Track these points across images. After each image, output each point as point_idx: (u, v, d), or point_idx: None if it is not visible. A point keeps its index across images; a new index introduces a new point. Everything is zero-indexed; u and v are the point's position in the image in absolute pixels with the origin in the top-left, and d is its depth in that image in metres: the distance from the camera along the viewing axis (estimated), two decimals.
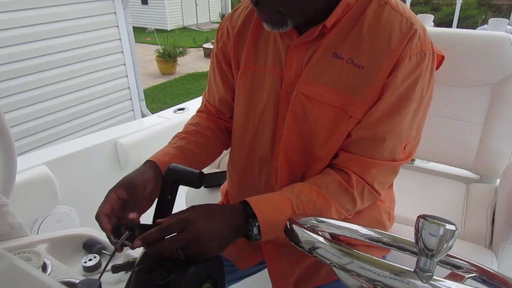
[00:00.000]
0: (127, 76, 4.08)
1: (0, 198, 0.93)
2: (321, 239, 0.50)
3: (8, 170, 0.98)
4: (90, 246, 0.96)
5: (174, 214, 0.66)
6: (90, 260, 0.90)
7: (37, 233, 1.42)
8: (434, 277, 0.42)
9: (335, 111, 0.74)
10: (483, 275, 0.54)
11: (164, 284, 0.58)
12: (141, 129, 1.76)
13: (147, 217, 0.73)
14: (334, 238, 0.51)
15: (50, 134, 3.51)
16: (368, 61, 0.71)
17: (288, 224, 0.56)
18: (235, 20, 0.86)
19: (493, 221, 1.22)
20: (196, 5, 15.38)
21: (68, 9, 3.45)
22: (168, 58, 8.64)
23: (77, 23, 3.53)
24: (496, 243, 1.14)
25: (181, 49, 8.77)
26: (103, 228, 0.67)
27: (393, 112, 0.72)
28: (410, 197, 1.36)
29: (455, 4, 8.06)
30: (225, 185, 1.05)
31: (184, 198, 1.46)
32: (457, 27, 7.74)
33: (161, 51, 8.60)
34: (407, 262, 0.46)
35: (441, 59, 0.76)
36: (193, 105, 2.04)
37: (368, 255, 0.46)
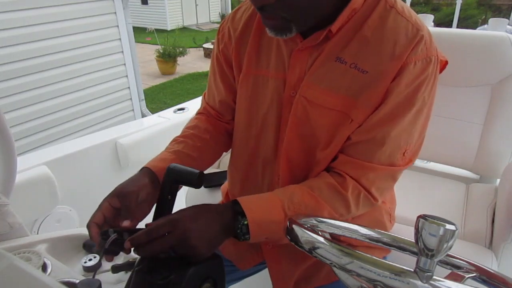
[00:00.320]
0: (127, 76, 4.08)
1: (0, 198, 0.93)
2: (321, 239, 0.50)
3: (8, 170, 0.98)
4: (90, 246, 0.96)
5: (164, 217, 0.66)
6: (90, 260, 0.90)
7: (37, 233, 1.42)
8: (434, 277, 0.42)
9: (337, 115, 0.73)
10: (483, 275, 0.54)
11: (164, 284, 0.58)
12: (141, 129, 1.76)
13: (147, 217, 0.73)
14: (335, 240, 0.51)
15: (50, 134, 3.51)
16: (372, 66, 0.70)
17: (288, 224, 0.56)
18: (237, 21, 0.85)
19: (493, 221, 1.22)
20: (196, 5, 15.38)
21: (68, 9, 3.44)
22: (168, 58, 8.64)
23: (77, 23, 3.53)
24: (496, 243, 1.14)
25: (181, 49, 8.77)
26: (91, 237, 0.67)
27: (394, 117, 0.71)
28: (410, 197, 1.36)
29: (455, 4, 8.05)
30: (225, 185, 1.05)
31: (184, 198, 1.46)
32: (457, 27, 7.74)
33: (161, 51, 8.60)
34: (407, 262, 0.46)
35: (444, 64, 0.75)
36: (193, 105, 2.05)
37: (368, 255, 0.46)
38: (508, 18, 8.04)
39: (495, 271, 0.54)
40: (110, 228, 0.66)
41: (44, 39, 3.31)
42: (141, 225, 0.71)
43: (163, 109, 2.12)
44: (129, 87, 4.13)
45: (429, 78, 0.71)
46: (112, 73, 3.94)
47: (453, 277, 0.54)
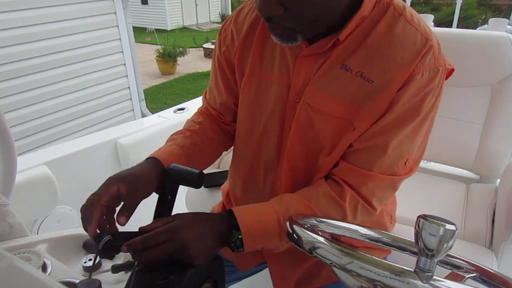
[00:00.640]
0: (127, 76, 4.08)
1: (0, 198, 0.93)
2: (321, 239, 0.50)
3: (8, 170, 0.97)
4: (90, 246, 0.96)
5: (159, 221, 0.65)
6: (90, 260, 0.90)
7: (37, 233, 1.42)
8: (434, 277, 0.42)
9: (341, 122, 0.73)
10: (483, 275, 0.54)
11: (164, 284, 0.58)
12: (141, 129, 1.76)
13: (147, 217, 0.73)
14: (335, 240, 0.51)
15: (50, 134, 3.51)
16: (378, 75, 0.69)
17: (288, 224, 0.56)
18: (240, 23, 0.83)
19: (493, 221, 1.22)
20: (196, 5, 15.38)
21: (68, 9, 3.44)
22: (168, 58, 8.64)
23: (77, 23, 3.53)
24: (496, 243, 1.14)
25: (181, 49, 8.77)
26: (90, 219, 0.62)
27: (397, 126, 0.70)
28: (410, 197, 1.36)
29: (455, 4, 8.05)
30: (225, 185, 1.05)
31: (184, 198, 1.46)
32: (457, 27, 7.74)
33: (161, 51, 8.60)
34: (407, 262, 0.46)
35: (450, 71, 0.74)
36: (193, 105, 2.04)
37: (368, 255, 0.46)
38: (508, 18, 8.05)
39: (495, 271, 0.54)
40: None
41: (44, 39, 3.31)
42: (143, 220, 0.70)
43: (163, 109, 2.12)
44: (129, 87, 4.13)
45: (435, 88, 0.70)
46: (112, 73, 3.94)
47: (453, 277, 0.54)
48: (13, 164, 0.98)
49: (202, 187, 1.13)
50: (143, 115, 4.26)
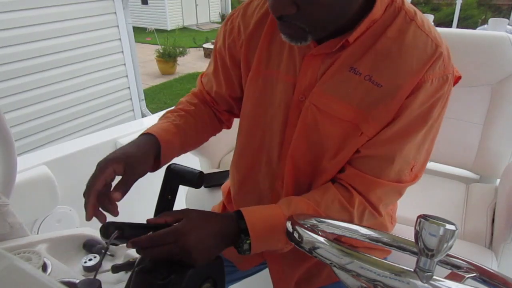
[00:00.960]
0: (127, 76, 4.08)
1: (0, 198, 0.93)
2: (321, 239, 0.50)
3: (8, 170, 0.98)
4: (90, 246, 0.96)
5: (168, 215, 0.65)
6: (90, 260, 0.90)
7: (37, 233, 1.42)
8: (434, 277, 0.42)
9: (348, 125, 0.72)
10: (483, 275, 0.54)
11: (164, 284, 0.58)
12: (141, 129, 1.73)
13: (147, 217, 0.73)
14: (335, 240, 0.51)
15: (50, 134, 3.52)
16: (387, 80, 0.68)
17: (288, 224, 0.56)
18: (248, 18, 0.82)
19: (493, 221, 1.22)
20: (196, 5, 15.38)
21: (68, 9, 3.45)
22: (168, 58, 8.64)
23: (77, 23, 3.53)
24: (496, 243, 1.14)
25: (181, 49, 8.78)
26: (87, 206, 0.64)
27: (406, 134, 0.70)
28: (410, 197, 1.35)
29: (455, 4, 8.06)
30: (226, 184, 1.05)
31: (184, 198, 1.46)
32: (457, 27, 7.74)
33: (161, 51, 8.61)
34: (407, 262, 0.46)
35: (457, 79, 0.74)
36: None
37: (368, 255, 0.46)
38: (508, 18, 8.05)
39: (495, 271, 0.54)
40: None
41: (44, 39, 3.32)
42: (143, 217, 0.70)
43: (163, 109, 2.11)
44: (129, 87, 4.14)
45: (444, 96, 0.70)
46: (112, 73, 3.94)
47: (453, 277, 0.54)
48: (13, 164, 0.98)
49: (202, 187, 1.13)
50: (143, 115, 4.26)
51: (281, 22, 0.67)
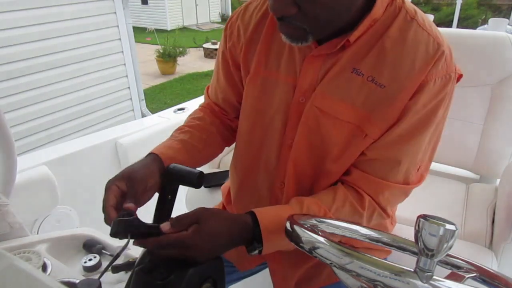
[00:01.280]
0: (127, 76, 4.08)
1: (0, 198, 0.93)
2: (321, 239, 0.50)
3: (8, 170, 0.98)
4: (90, 246, 0.96)
5: (180, 221, 0.62)
6: (90, 260, 0.90)
7: (37, 233, 1.42)
8: (434, 277, 0.42)
9: (351, 127, 0.72)
10: (483, 275, 0.54)
11: (164, 284, 0.58)
12: (141, 129, 1.76)
13: (147, 217, 0.73)
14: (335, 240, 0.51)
15: (50, 134, 3.51)
16: (390, 81, 0.68)
17: (288, 224, 0.56)
18: (248, 20, 0.82)
19: (493, 221, 1.22)
20: (196, 5, 15.38)
21: (68, 9, 3.44)
22: (168, 58, 8.64)
23: (77, 23, 3.53)
24: (496, 243, 1.14)
25: (181, 49, 8.77)
26: (109, 220, 0.62)
27: (412, 136, 0.70)
28: (410, 197, 1.36)
29: (455, 4, 8.06)
30: (226, 185, 1.05)
31: (184, 198, 1.46)
32: (457, 27, 7.74)
33: (161, 51, 8.60)
34: (407, 262, 0.46)
35: (458, 78, 0.73)
36: (193, 105, 2.04)
37: (368, 255, 0.46)
38: (508, 18, 8.05)
39: (495, 271, 0.54)
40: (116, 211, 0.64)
41: (44, 39, 3.31)
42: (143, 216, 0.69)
43: (163, 109, 2.12)
44: (129, 87, 4.14)
45: (448, 95, 0.70)
46: (112, 73, 3.94)
47: (453, 277, 0.54)
48: (13, 164, 0.98)
49: (202, 187, 1.13)
50: (143, 115, 4.26)
51: (282, 22, 0.66)
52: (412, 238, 0.44)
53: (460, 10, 8.07)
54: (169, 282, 0.58)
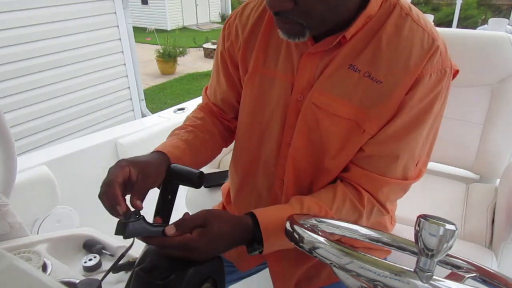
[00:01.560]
0: (127, 76, 4.07)
1: (0, 198, 0.93)
2: (321, 239, 0.50)
3: (8, 170, 0.98)
4: (90, 246, 0.96)
5: (186, 224, 0.62)
6: (90, 260, 0.90)
7: (37, 233, 1.42)
8: (434, 277, 0.42)
9: (348, 124, 0.72)
10: (483, 275, 0.54)
11: (164, 284, 0.58)
12: (141, 129, 1.76)
13: (147, 215, 0.73)
14: (335, 240, 0.51)
15: (50, 134, 3.51)
16: (386, 76, 0.69)
17: (288, 224, 0.56)
18: (245, 19, 0.82)
19: (493, 221, 1.22)
20: (196, 5, 15.38)
21: (68, 9, 3.44)
22: (168, 58, 8.64)
23: (77, 23, 3.53)
24: (496, 243, 1.14)
25: (181, 49, 8.77)
26: (116, 199, 0.60)
27: (409, 130, 0.70)
28: (410, 197, 1.35)
29: (455, 4, 8.06)
30: (226, 184, 1.05)
31: (184, 198, 1.46)
32: (457, 27, 7.74)
33: (161, 51, 8.60)
34: (407, 262, 0.46)
35: (455, 73, 0.74)
36: (193, 105, 2.03)
37: (368, 255, 0.46)
38: (508, 18, 8.05)
39: (495, 271, 0.54)
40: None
41: (44, 39, 3.31)
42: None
43: (163, 109, 2.12)
44: (129, 87, 4.13)
45: (443, 90, 0.70)
46: (112, 73, 3.94)
47: (453, 277, 0.54)
48: (13, 164, 0.98)
49: (202, 187, 1.13)
50: (143, 115, 4.26)
51: (279, 17, 0.67)
52: (412, 238, 0.44)
53: (460, 10, 8.07)
54: (169, 282, 0.58)
